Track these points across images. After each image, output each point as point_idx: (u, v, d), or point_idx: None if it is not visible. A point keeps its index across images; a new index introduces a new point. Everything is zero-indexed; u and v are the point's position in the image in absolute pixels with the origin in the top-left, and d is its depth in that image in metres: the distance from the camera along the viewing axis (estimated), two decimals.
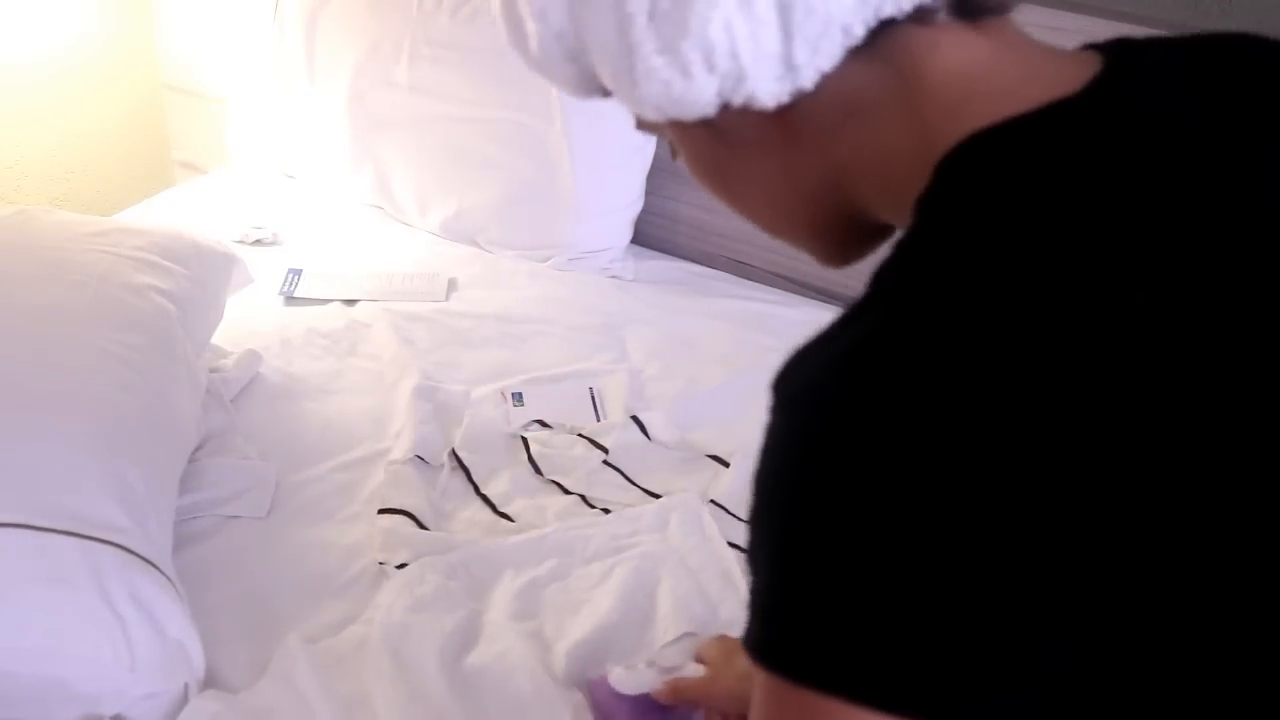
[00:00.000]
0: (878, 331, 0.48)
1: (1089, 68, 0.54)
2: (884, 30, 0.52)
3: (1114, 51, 0.55)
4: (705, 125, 0.57)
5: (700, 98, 0.53)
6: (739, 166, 0.60)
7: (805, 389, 0.49)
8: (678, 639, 1.18)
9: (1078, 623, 0.45)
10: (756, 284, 1.96)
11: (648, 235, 2.03)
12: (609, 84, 0.56)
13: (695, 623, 1.19)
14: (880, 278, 0.51)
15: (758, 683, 0.49)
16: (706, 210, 2.00)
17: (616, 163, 1.93)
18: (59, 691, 1.04)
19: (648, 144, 1.93)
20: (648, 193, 1.97)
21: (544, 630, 1.20)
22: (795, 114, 0.55)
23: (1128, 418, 0.44)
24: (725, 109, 0.54)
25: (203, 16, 2.25)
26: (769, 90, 0.52)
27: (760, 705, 0.49)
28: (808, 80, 0.52)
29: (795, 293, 1.95)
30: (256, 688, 1.10)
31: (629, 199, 1.96)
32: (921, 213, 0.52)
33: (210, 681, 1.11)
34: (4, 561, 1.03)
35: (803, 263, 1.96)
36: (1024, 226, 0.48)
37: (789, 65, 0.51)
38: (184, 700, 1.08)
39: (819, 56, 0.51)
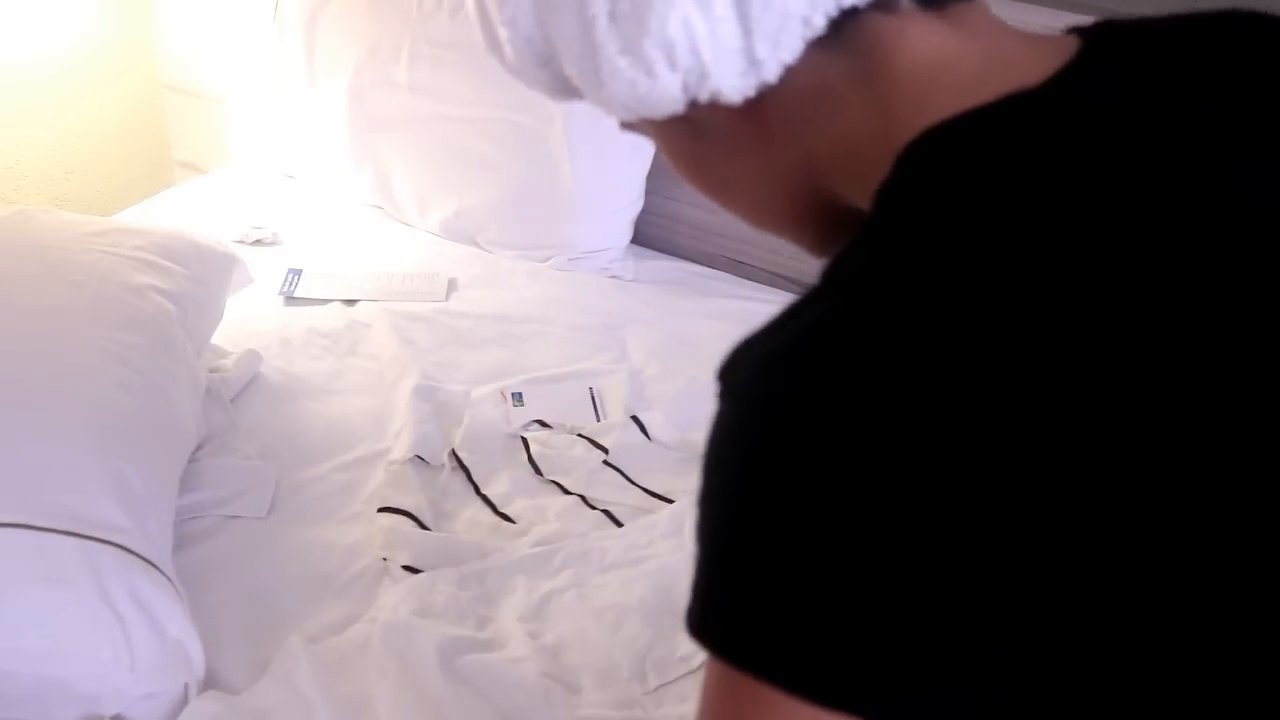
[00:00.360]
0: (823, 321, 0.49)
1: (1062, 55, 0.53)
2: (848, 20, 0.52)
3: (1094, 36, 0.55)
4: (680, 122, 0.57)
5: (666, 95, 0.53)
6: (716, 161, 0.60)
7: (750, 377, 0.49)
8: None
9: (1018, 624, 0.45)
10: (756, 284, 1.96)
11: (648, 235, 2.03)
12: (579, 86, 0.56)
13: None
14: (831, 268, 0.52)
15: (706, 665, 0.50)
16: (706, 210, 2.00)
17: (616, 163, 1.92)
18: (59, 691, 1.04)
19: (647, 144, 1.92)
20: (648, 193, 1.97)
21: (557, 640, 1.19)
22: (764, 107, 0.55)
23: (1071, 415, 0.44)
24: (694, 105, 0.55)
25: (203, 16, 2.25)
26: (733, 85, 0.52)
27: (706, 686, 0.50)
28: (771, 74, 0.52)
29: (795, 293, 1.94)
30: (257, 688, 1.10)
31: (629, 199, 1.96)
32: (878, 204, 0.52)
33: (210, 681, 1.11)
34: (4, 561, 1.03)
35: (803, 263, 1.96)
36: (970, 222, 0.48)
37: (751, 60, 0.51)
38: (184, 700, 1.08)
39: (780, 50, 0.51)
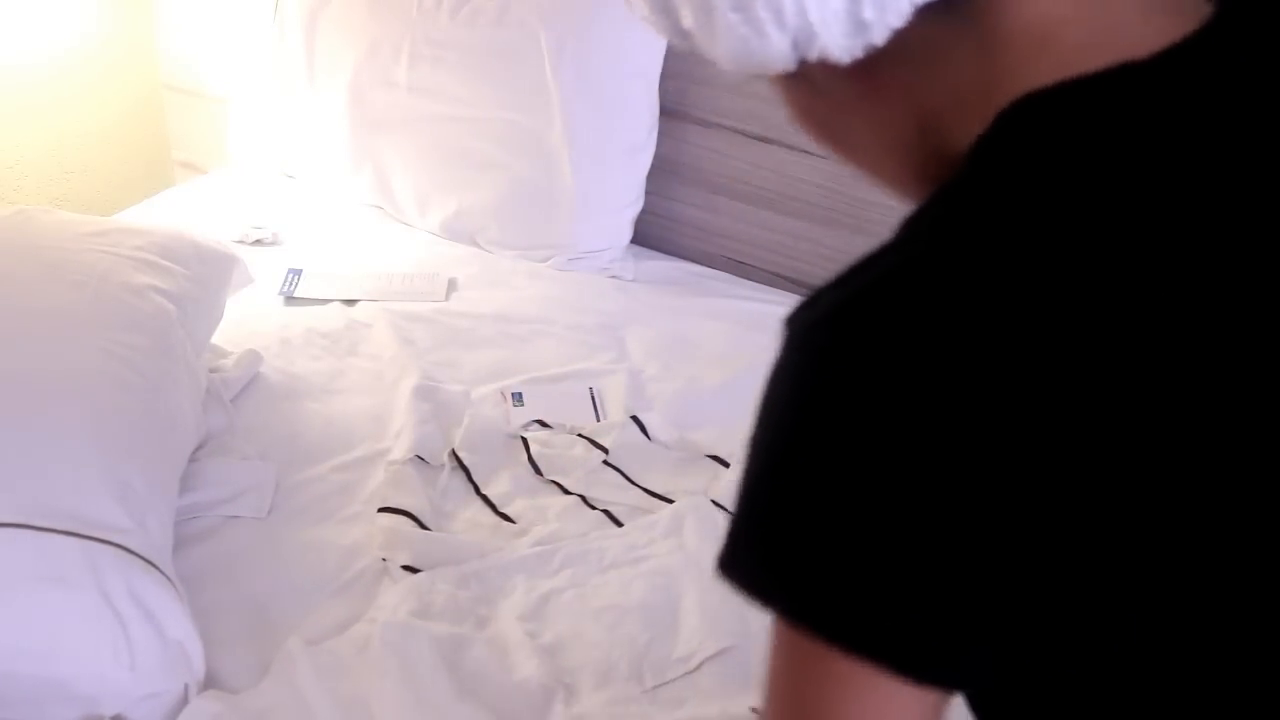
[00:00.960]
0: (891, 275, 0.50)
1: (1186, 25, 0.52)
2: None
3: (1229, 5, 0.54)
4: (797, 77, 0.59)
5: (776, 53, 0.54)
6: (832, 116, 0.62)
7: (814, 326, 0.50)
8: (718, 653, 1.17)
9: (1050, 595, 0.46)
10: (756, 284, 1.96)
11: (648, 235, 2.03)
12: (695, 39, 0.58)
13: (730, 635, 1.18)
14: (911, 220, 0.53)
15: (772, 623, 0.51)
16: (706, 210, 2.00)
17: (616, 163, 1.92)
18: (59, 692, 1.04)
19: (648, 144, 1.93)
20: (648, 193, 1.97)
21: (555, 640, 1.19)
22: (873, 67, 0.56)
23: (1131, 402, 0.45)
24: (805, 63, 0.56)
25: (203, 16, 2.25)
26: (841, 46, 0.53)
27: (773, 643, 0.52)
28: (878, 37, 0.53)
29: (795, 293, 1.95)
30: (258, 689, 1.10)
31: (629, 199, 1.96)
32: (968, 161, 0.53)
33: (210, 682, 1.11)
34: (4, 561, 1.03)
35: (803, 263, 1.96)
36: (1051, 193, 0.49)
37: (858, 23, 0.52)
38: (184, 700, 1.08)
39: (888, 14, 0.52)
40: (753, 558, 0.50)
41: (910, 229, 0.52)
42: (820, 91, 0.59)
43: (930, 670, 0.48)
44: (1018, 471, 0.45)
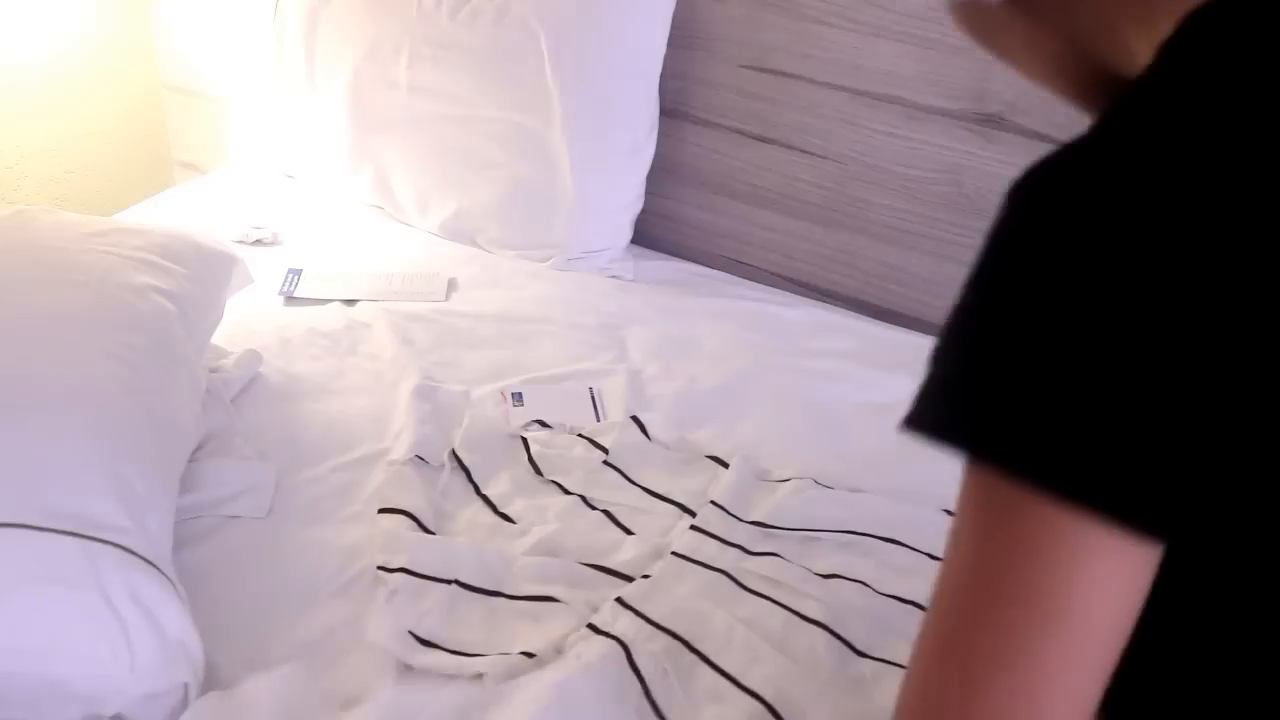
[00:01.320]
0: (1095, 144, 0.52)
1: None
2: None
3: None
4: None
5: None
6: (1005, 40, 0.66)
7: (1020, 185, 0.52)
8: None
9: (1244, 457, 0.47)
10: (756, 284, 1.96)
11: (648, 235, 2.03)
12: None
13: None
14: (1105, 113, 0.54)
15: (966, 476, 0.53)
16: (706, 210, 2.01)
17: (616, 163, 1.93)
18: (59, 691, 1.04)
19: (648, 144, 1.93)
20: (648, 193, 1.98)
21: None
22: None
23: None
24: None
25: (203, 16, 2.25)
26: None
27: (966, 498, 0.52)
28: None
29: (795, 292, 1.95)
30: (252, 686, 1.09)
31: (629, 199, 1.96)
32: (1158, 57, 0.55)
33: (210, 681, 1.11)
34: (4, 561, 1.03)
35: (803, 263, 1.96)
36: (1232, 90, 0.51)
37: None
38: (184, 700, 1.08)
39: None
40: (963, 410, 0.51)
41: (1109, 117, 0.54)
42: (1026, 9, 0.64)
43: (1141, 514, 0.48)
44: (1202, 325, 0.47)
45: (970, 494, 0.51)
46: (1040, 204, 0.51)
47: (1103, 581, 0.48)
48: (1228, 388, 0.47)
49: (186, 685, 1.09)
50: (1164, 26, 0.56)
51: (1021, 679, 0.49)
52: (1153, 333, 0.47)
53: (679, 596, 1.25)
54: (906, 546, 1.36)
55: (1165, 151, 0.50)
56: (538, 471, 1.45)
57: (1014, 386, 0.49)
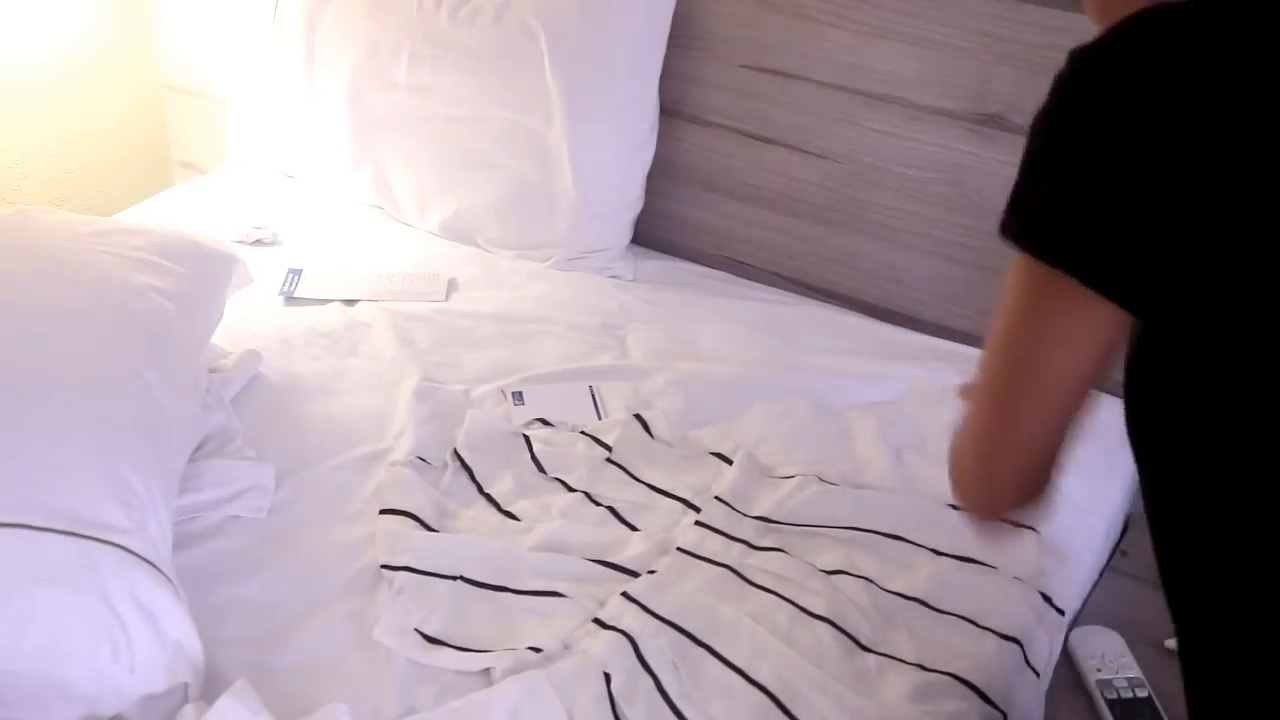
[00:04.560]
0: (1140, 29, 0.68)
1: None
2: None
3: None
4: None
5: None
6: None
7: (1077, 50, 0.70)
8: None
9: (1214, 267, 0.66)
10: (756, 284, 1.96)
11: (648, 235, 2.03)
12: None
13: None
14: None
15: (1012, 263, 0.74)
16: (706, 210, 2.00)
17: (616, 163, 1.92)
18: (59, 691, 1.04)
19: (648, 144, 1.93)
20: (648, 193, 1.97)
21: None
22: None
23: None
24: None
25: (203, 16, 2.25)
26: None
27: (1012, 282, 0.75)
28: None
29: (795, 292, 1.95)
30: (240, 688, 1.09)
31: (629, 199, 1.96)
32: None
33: (210, 682, 1.11)
34: (4, 561, 1.03)
35: (803, 263, 1.96)
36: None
37: None
38: (184, 700, 1.08)
39: None
40: (1010, 214, 0.73)
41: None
42: None
43: (1113, 285, 0.69)
44: (1198, 172, 0.64)
45: (1010, 276, 0.74)
46: (1085, 75, 0.68)
47: (1074, 335, 0.73)
48: (1188, 208, 0.65)
49: (186, 685, 1.09)
50: None
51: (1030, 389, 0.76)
52: (1150, 175, 0.65)
53: (685, 591, 1.25)
54: (909, 542, 1.36)
55: (1188, 36, 0.66)
56: (541, 469, 1.45)
57: (1046, 200, 0.70)
